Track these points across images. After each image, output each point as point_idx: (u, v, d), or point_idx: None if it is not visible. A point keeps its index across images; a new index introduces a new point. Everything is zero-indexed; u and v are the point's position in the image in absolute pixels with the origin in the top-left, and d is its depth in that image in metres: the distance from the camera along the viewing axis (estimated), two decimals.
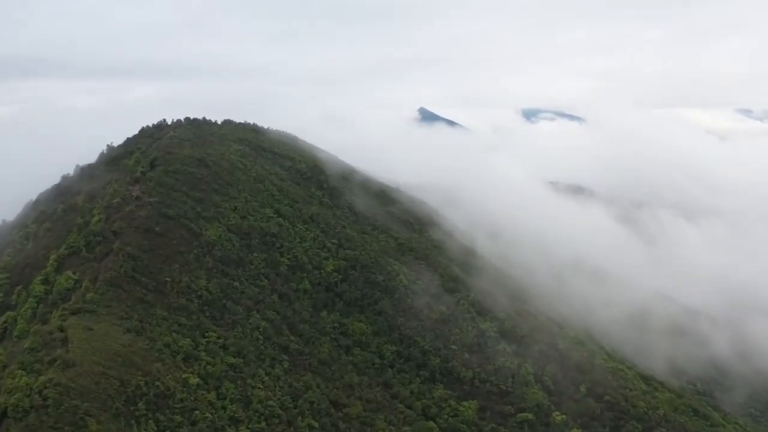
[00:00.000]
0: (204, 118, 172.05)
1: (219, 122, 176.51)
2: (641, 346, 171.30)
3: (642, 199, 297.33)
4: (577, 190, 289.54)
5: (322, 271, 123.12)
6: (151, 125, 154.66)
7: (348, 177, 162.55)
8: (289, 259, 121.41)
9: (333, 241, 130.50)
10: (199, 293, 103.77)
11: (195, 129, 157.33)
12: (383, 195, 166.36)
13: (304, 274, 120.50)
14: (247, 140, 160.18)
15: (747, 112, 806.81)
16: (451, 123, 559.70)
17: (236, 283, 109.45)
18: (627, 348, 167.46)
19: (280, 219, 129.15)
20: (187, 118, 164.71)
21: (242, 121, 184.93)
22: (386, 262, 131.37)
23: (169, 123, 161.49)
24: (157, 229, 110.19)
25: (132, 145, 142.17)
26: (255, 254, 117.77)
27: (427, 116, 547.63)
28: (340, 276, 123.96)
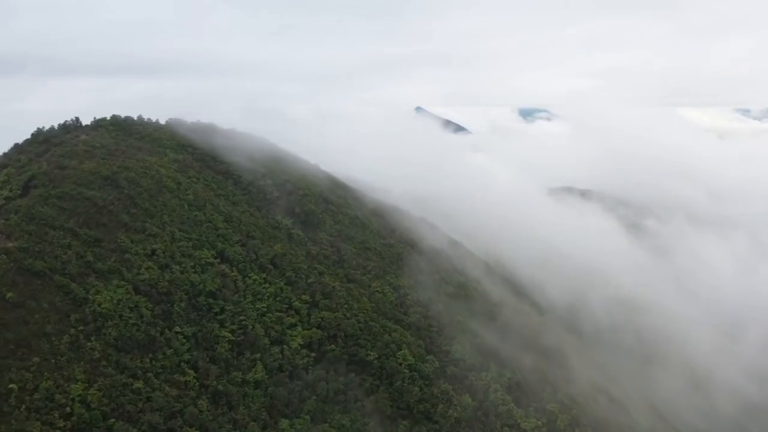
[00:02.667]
0: (140, 116, 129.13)
1: (163, 121, 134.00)
2: (702, 407, 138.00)
3: (647, 204, 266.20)
4: (578, 194, 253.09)
5: (285, 347, 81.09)
6: (56, 126, 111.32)
7: (330, 197, 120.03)
8: (233, 331, 79.20)
9: (304, 297, 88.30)
10: (69, 409, 61.54)
11: (120, 131, 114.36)
12: (377, 220, 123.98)
13: (257, 355, 78.41)
14: (193, 146, 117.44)
15: (745, 112, 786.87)
16: (447, 122, 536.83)
17: (138, 384, 67.11)
18: (691, 415, 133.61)
19: (224, 266, 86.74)
20: (114, 116, 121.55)
21: (197, 120, 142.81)
22: (382, 327, 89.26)
23: (89, 122, 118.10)
24: (9, 295, 67.67)
25: (14, 155, 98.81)
26: (178, 328, 75.39)
27: (424, 115, 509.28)
28: (314, 354, 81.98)
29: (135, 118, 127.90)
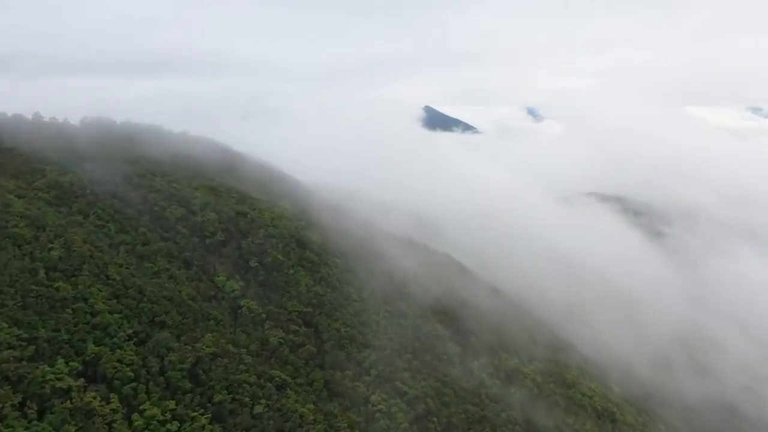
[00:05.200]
0: (38, 113, 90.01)
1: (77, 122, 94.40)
2: None
3: (665, 208, 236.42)
4: (595, 199, 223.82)
5: None
6: None
7: (310, 237, 78.99)
8: None
9: None
10: None
11: None
12: (380, 268, 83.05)
13: None
14: (106, 160, 76.97)
15: (757, 110, 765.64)
16: (456, 122, 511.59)
17: None
18: None
19: (90, 395, 45.69)
20: None
21: (127, 120, 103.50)
22: None
23: None
24: None
25: None
26: None
27: (433, 115, 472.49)
28: None
29: (30, 117, 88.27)
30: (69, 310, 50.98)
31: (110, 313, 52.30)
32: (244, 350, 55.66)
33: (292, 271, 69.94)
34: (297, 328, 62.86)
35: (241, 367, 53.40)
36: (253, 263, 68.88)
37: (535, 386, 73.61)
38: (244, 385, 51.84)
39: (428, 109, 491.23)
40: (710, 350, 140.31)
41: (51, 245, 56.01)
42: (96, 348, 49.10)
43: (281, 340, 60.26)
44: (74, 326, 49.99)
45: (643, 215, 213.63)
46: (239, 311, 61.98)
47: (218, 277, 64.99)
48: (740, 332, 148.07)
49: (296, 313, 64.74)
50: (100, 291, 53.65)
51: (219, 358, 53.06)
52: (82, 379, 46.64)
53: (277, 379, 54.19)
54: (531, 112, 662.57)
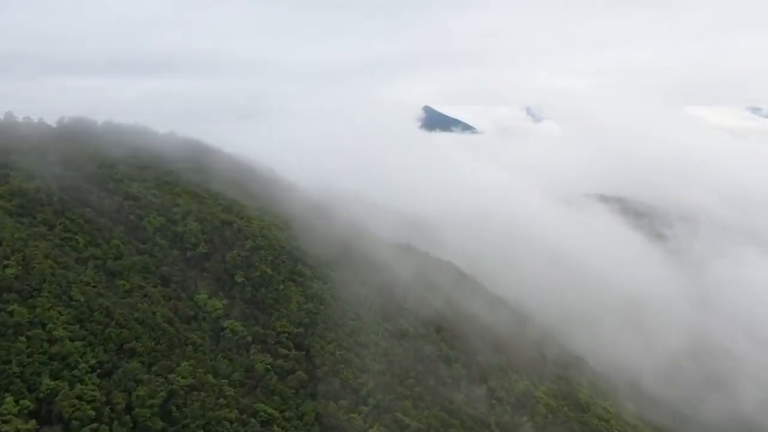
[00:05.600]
0: (10, 113, 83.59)
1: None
2: None
3: (665, 209, 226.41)
4: (594, 200, 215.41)
5: None
6: None
7: (302, 248, 72.50)
8: None
9: None
10: None
11: None
12: (378, 280, 76.58)
13: None
14: (77, 165, 70.58)
15: (757, 110, 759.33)
16: (456, 122, 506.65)
17: None
18: None
19: None
20: None
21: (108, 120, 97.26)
22: None
23: None
24: None
25: None
26: None
27: (432, 115, 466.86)
28: None
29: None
30: (23, 338, 44.57)
31: (71, 340, 45.91)
32: (225, 381, 49.31)
33: (282, 287, 63.55)
34: (286, 351, 56.52)
35: (221, 401, 47.07)
36: (238, 278, 62.46)
37: (548, 411, 67.46)
38: (224, 422, 45.54)
39: (428, 109, 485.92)
40: (716, 354, 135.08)
41: (6, 262, 49.57)
42: (52, 382, 42.71)
43: (268, 367, 53.91)
44: (28, 357, 43.57)
45: (643, 217, 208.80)
46: (222, 334, 55.60)
47: (199, 294, 58.57)
48: (745, 335, 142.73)
49: (286, 335, 58.41)
50: (61, 314, 47.26)
51: (196, 392, 46.71)
52: (34, 421, 40.34)
53: (262, 413, 47.88)
54: (530, 112, 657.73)
